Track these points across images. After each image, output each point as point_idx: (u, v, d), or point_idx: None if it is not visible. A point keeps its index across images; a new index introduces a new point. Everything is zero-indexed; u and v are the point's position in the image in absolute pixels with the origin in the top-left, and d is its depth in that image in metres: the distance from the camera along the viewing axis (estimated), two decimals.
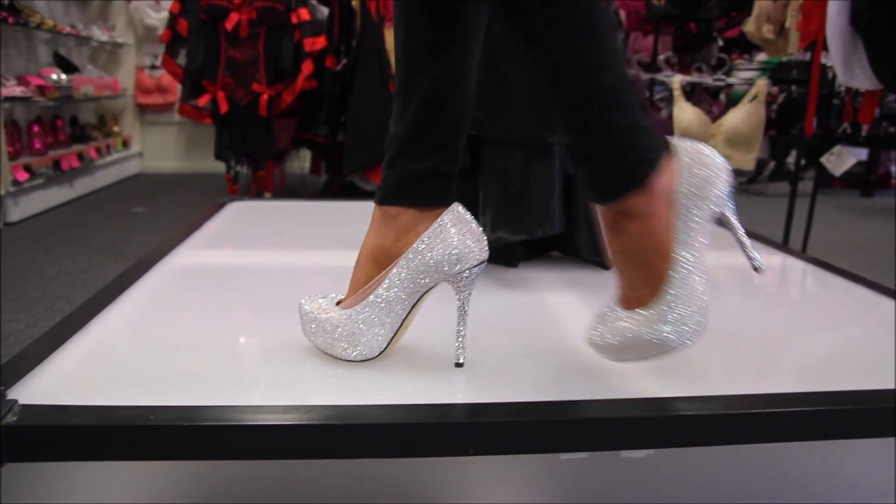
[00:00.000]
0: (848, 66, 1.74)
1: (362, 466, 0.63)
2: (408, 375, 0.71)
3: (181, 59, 3.09)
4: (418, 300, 0.71)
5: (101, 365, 0.72)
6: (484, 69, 1.03)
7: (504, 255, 1.14)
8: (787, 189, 2.73)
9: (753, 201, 4.40)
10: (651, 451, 0.64)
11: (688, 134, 2.62)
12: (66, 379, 0.68)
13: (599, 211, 0.71)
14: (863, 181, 4.64)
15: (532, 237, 1.06)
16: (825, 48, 1.83)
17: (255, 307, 0.92)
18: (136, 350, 0.76)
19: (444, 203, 0.71)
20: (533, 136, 1.04)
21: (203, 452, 0.59)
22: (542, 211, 1.06)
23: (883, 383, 0.71)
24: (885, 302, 1.00)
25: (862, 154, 4.28)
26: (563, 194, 1.11)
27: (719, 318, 0.94)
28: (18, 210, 3.34)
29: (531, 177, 1.06)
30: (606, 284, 1.08)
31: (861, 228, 3.62)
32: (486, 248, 0.72)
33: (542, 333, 0.84)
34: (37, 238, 3.03)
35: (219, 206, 1.60)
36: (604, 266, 1.11)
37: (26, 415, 0.59)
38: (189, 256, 1.16)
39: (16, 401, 0.60)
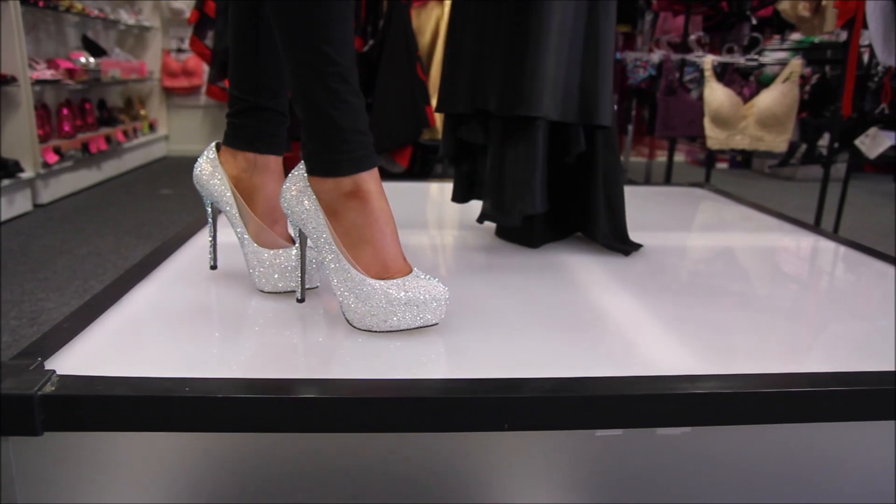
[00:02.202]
0: (888, 45, 1.69)
1: (396, 441, 0.63)
2: (441, 350, 0.71)
3: (209, 41, 3.10)
4: None
5: (135, 338, 0.72)
6: (480, 43, 1.04)
7: (528, 236, 1.13)
8: (817, 174, 2.68)
9: (783, 186, 4.33)
10: (688, 430, 0.63)
11: (719, 115, 2.57)
12: (102, 351, 0.68)
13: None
14: None
15: (511, 216, 1.04)
16: (864, 26, 1.78)
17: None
18: (169, 324, 0.76)
19: None
20: (502, 108, 1.03)
21: (239, 424, 0.59)
22: (522, 188, 1.03)
23: None
24: None
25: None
26: (575, 176, 1.10)
27: (752, 297, 0.93)
28: (48, 192, 3.39)
29: (508, 152, 1.05)
30: (633, 262, 1.07)
31: (894, 214, 3.55)
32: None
33: (580, 310, 0.83)
34: (67, 219, 3.07)
35: None
36: (624, 251, 1.10)
37: (64, 385, 0.59)
38: (218, 234, 1.17)
39: (54, 371, 0.61)
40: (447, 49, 1.13)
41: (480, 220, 1.13)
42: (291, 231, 0.81)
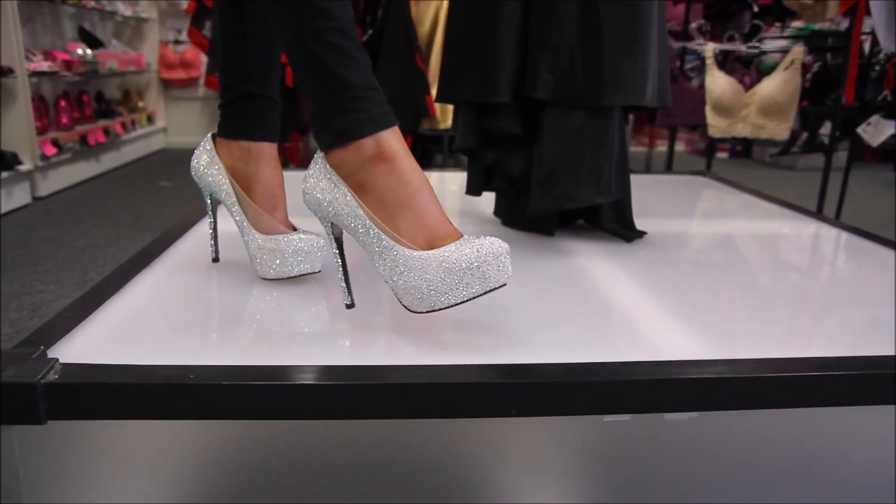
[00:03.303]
0: (891, 31, 1.68)
1: (403, 427, 0.62)
2: (447, 336, 0.71)
3: (207, 31, 3.08)
4: None
5: (137, 327, 0.72)
6: (551, 30, 1.00)
7: (544, 224, 1.12)
8: (817, 163, 2.67)
9: (783, 175, 4.32)
10: (695, 415, 0.63)
11: (720, 103, 2.56)
12: (104, 340, 0.68)
13: None
14: None
15: (585, 204, 1.03)
16: (867, 13, 1.77)
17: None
18: (170, 313, 0.76)
19: None
20: (589, 98, 1.01)
21: (243, 412, 0.59)
22: (597, 177, 1.03)
23: None
24: None
25: None
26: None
27: (755, 284, 0.93)
28: (47, 184, 3.38)
29: (587, 140, 1.03)
30: (636, 250, 1.06)
31: (895, 203, 3.54)
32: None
33: (585, 297, 0.83)
34: (66, 212, 3.06)
35: None
36: (626, 237, 1.09)
37: (67, 373, 0.59)
38: (220, 223, 1.16)
39: (57, 359, 0.60)
40: (460, 36, 1.08)
41: (511, 212, 1.12)
42: (314, 228, 0.79)
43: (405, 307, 0.68)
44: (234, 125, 0.87)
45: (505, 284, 0.65)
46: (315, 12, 0.67)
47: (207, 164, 0.88)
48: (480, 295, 0.65)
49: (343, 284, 0.74)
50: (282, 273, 0.84)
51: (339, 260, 0.74)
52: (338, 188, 0.69)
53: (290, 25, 0.69)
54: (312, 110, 0.70)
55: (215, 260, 0.92)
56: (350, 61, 0.68)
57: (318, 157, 0.72)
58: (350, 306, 0.75)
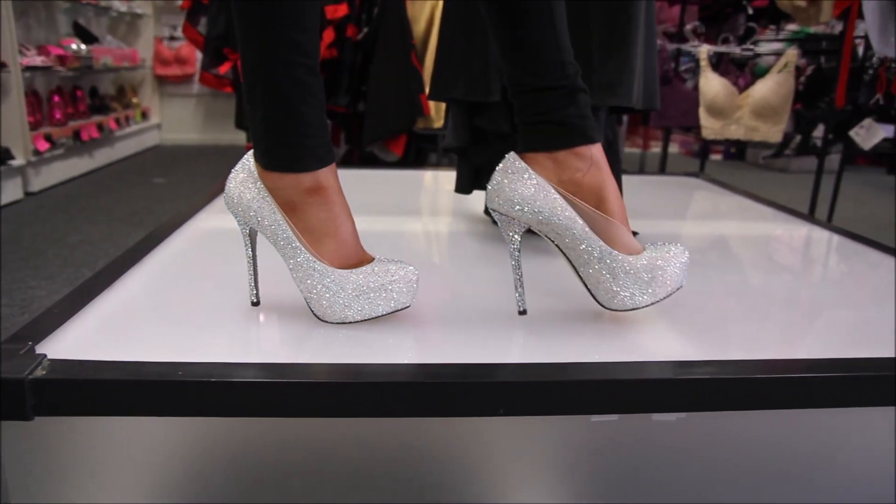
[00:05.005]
0: (884, 34, 1.69)
1: (392, 426, 0.62)
2: (436, 335, 0.71)
3: (202, 27, 3.07)
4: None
5: (126, 323, 0.72)
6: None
7: None
8: (811, 165, 2.68)
9: (776, 177, 4.33)
10: (683, 415, 0.63)
11: (714, 105, 2.57)
12: (94, 336, 0.68)
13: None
14: (890, 158, 4.54)
15: None
16: (860, 16, 1.77)
17: (277, 269, 0.92)
18: (160, 310, 0.76)
19: None
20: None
21: (232, 409, 0.59)
22: None
23: None
24: None
25: (890, 131, 4.19)
26: None
27: (747, 285, 0.93)
28: (40, 180, 3.36)
29: None
30: None
31: (888, 206, 3.56)
32: None
33: (574, 296, 0.83)
34: (58, 207, 3.05)
35: None
36: None
37: (55, 369, 0.59)
38: (211, 221, 1.16)
39: (45, 355, 0.60)
40: (454, 35, 1.08)
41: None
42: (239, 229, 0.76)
43: (317, 316, 0.72)
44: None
45: (409, 305, 0.72)
46: (292, 46, 0.68)
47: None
48: (388, 314, 0.71)
49: (251, 282, 0.76)
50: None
51: (251, 257, 0.76)
52: (265, 200, 0.71)
53: (262, 52, 0.68)
54: (261, 130, 0.70)
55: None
56: (311, 98, 0.69)
57: (248, 162, 0.72)
58: (255, 304, 0.77)
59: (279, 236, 0.71)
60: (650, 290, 0.70)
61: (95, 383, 0.57)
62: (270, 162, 0.71)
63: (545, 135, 0.70)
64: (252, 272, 0.76)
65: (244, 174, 0.72)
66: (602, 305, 0.72)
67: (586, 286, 0.72)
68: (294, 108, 0.69)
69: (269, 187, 0.71)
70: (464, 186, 1.18)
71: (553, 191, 0.70)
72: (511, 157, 0.71)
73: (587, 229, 0.70)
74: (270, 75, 0.68)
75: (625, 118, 3.83)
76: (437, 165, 3.36)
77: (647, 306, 0.71)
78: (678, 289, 0.72)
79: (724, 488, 0.67)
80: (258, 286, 0.77)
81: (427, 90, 3.26)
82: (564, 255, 0.72)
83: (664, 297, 0.72)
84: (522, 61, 0.70)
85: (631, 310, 0.71)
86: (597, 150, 0.72)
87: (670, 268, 0.71)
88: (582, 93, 0.71)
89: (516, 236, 0.72)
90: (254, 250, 0.76)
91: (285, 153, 0.70)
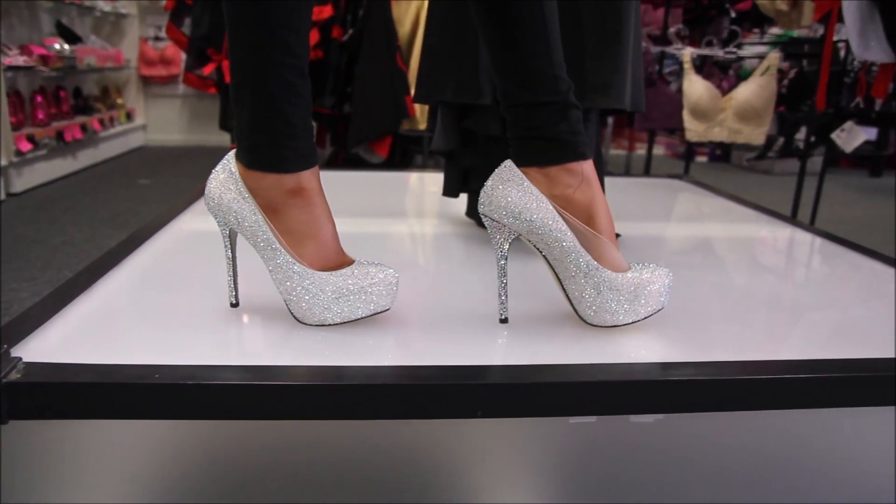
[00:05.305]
0: (863, 39, 1.71)
1: (368, 428, 0.62)
2: (417, 337, 0.71)
3: (185, 28, 3.06)
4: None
5: (105, 326, 0.71)
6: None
7: None
8: (795, 167, 2.70)
9: (760, 179, 4.37)
10: (661, 417, 0.63)
11: (698, 107, 2.59)
12: (70, 339, 0.67)
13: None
14: (872, 160, 4.60)
15: None
16: (840, 20, 1.79)
17: (257, 271, 0.91)
18: (139, 312, 0.75)
19: None
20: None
21: (209, 412, 0.58)
22: None
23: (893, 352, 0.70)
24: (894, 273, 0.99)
25: (871, 133, 4.24)
26: None
27: (729, 287, 0.93)
28: (22, 181, 3.33)
29: None
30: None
31: (869, 208, 3.60)
32: None
33: (556, 298, 0.83)
34: (41, 209, 3.02)
35: None
36: None
37: (30, 372, 0.58)
38: (192, 223, 1.16)
39: (20, 358, 0.60)
40: (442, 36, 1.07)
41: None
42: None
43: (296, 318, 0.71)
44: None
45: (388, 308, 0.72)
46: (283, 48, 0.67)
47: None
48: (367, 316, 0.71)
49: (231, 283, 0.76)
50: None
51: (231, 258, 0.75)
52: (246, 202, 0.71)
53: (251, 50, 0.68)
54: (246, 128, 0.70)
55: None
56: (298, 99, 0.69)
57: (229, 162, 0.72)
58: (234, 305, 0.76)
59: (259, 237, 0.71)
60: (633, 309, 0.71)
61: (70, 386, 0.57)
62: (253, 161, 0.70)
63: (537, 150, 0.70)
64: (231, 273, 0.76)
65: (224, 175, 0.72)
66: (583, 320, 0.72)
67: (569, 299, 0.72)
68: (280, 109, 0.68)
69: (251, 187, 0.71)
70: (452, 190, 1.18)
71: (547, 201, 0.70)
72: (507, 164, 0.71)
73: (576, 242, 0.70)
74: (259, 74, 0.68)
75: (609, 120, 3.85)
76: (423, 167, 3.36)
77: (627, 324, 0.72)
78: (659, 310, 0.73)
79: (701, 489, 0.67)
80: (237, 287, 0.76)
81: (412, 92, 3.26)
82: (550, 266, 0.72)
83: (645, 317, 0.72)
84: (515, 76, 0.70)
85: (611, 326, 0.72)
86: (588, 167, 0.71)
87: (654, 288, 0.71)
88: (574, 108, 0.71)
89: (505, 244, 0.72)
90: (233, 251, 0.75)
91: (269, 153, 0.70)
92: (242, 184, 0.71)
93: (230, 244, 0.75)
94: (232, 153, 0.73)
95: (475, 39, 1.02)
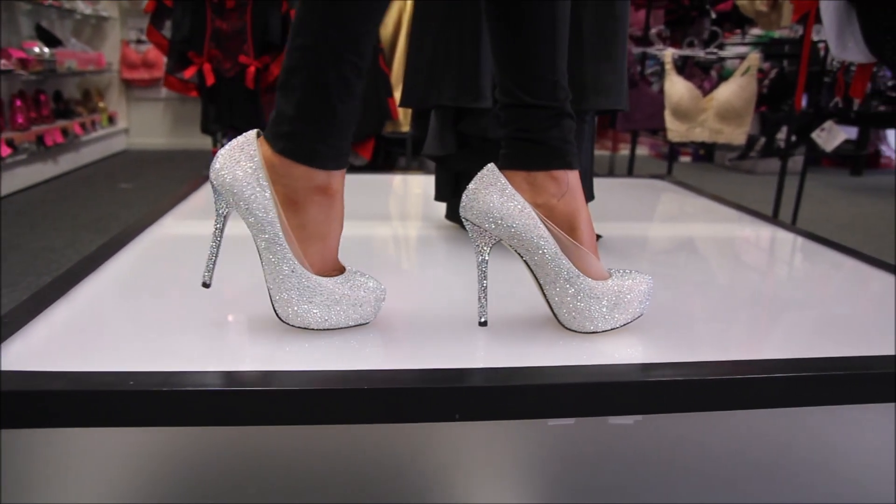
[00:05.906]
0: (841, 39, 1.73)
1: (346, 432, 0.62)
2: (395, 340, 0.70)
3: (166, 31, 3.04)
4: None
5: (82, 333, 0.70)
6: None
7: None
8: (777, 167, 2.73)
9: (743, 178, 4.40)
10: (640, 418, 0.63)
11: (679, 107, 2.60)
12: (47, 346, 0.66)
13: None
14: (852, 159, 4.65)
15: None
16: (818, 21, 1.81)
17: (238, 277, 0.91)
18: (118, 318, 0.74)
19: None
20: (578, 101, 1.00)
21: (184, 418, 0.58)
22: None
23: (872, 350, 0.70)
24: (874, 272, 0.99)
25: (851, 133, 4.29)
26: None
27: (712, 286, 0.94)
28: (2, 186, 3.29)
29: None
30: (600, 252, 1.07)
31: (850, 206, 3.64)
32: None
33: (533, 300, 0.83)
34: (21, 214, 2.99)
35: (205, 180, 1.58)
36: None
37: (4, 380, 0.57)
38: (173, 227, 1.15)
39: None
40: (437, 40, 1.05)
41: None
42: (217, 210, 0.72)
43: (279, 318, 0.70)
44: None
45: (368, 322, 0.72)
46: (350, 43, 0.66)
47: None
48: (353, 326, 0.71)
49: (210, 263, 0.72)
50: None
51: (218, 237, 0.71)
52: (260, 185, 0.67)
53: (317, 41, 0.66)
54: (289, 114, 0.67)
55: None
56: (350, 98, 0.67)
57: (251, 139, 0.69)
58: (206, 286, 0.72)
59: (266, 230, 0.67)
60: (612, 316, 0.71)
61: (43, 394, 0.56)
62: (288, 148, 0.67)
63: (524, 152, 0.70)
64: (213, 254, 0.72)
65: (244, 158, 0.68)
66: (563, 325, 0.72)
67: (550, 305, 0.72)
68: (331, 104, 0.67)
69: (275, 175, 0.68)
70: (444, 195, 1.16)
71: (529, 207, 0.69)
72: (490, 168, 0.70)
73: (558, 249, 0.70)
74: (318, 64, 0.66)
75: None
76: (406, 169, 3.36)
77: (606, 331, 0.72)
78: (639, 316, 0.73)
79: (679, 490, 0.67)
80: (213, 269, 0.72)
81: (395, 94, 3.26)
82: (531, 271, 0.72)
83: (624, 324, 0.72)
84: (517, 74, 0.70)
85: (591, 332, 0.71)
86: (573, 177, 0.71)
87: (633, 295, 0.72)
88: (568, 118, 0.71)
89: (486, 248, 0.71)
90: (222, 232, 0.71)
91: (308, 145, 0.67)
92: (263, 172, 0.68)
93: (221, 224, 0.71)
94: (251, 134, 0.69)
95: (476, 41, 1.01)
